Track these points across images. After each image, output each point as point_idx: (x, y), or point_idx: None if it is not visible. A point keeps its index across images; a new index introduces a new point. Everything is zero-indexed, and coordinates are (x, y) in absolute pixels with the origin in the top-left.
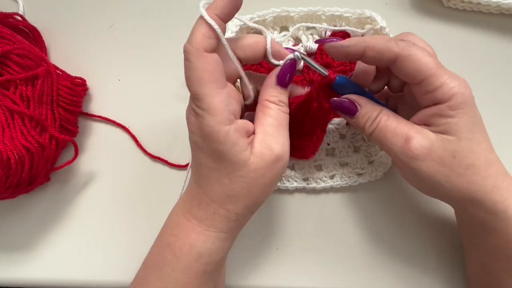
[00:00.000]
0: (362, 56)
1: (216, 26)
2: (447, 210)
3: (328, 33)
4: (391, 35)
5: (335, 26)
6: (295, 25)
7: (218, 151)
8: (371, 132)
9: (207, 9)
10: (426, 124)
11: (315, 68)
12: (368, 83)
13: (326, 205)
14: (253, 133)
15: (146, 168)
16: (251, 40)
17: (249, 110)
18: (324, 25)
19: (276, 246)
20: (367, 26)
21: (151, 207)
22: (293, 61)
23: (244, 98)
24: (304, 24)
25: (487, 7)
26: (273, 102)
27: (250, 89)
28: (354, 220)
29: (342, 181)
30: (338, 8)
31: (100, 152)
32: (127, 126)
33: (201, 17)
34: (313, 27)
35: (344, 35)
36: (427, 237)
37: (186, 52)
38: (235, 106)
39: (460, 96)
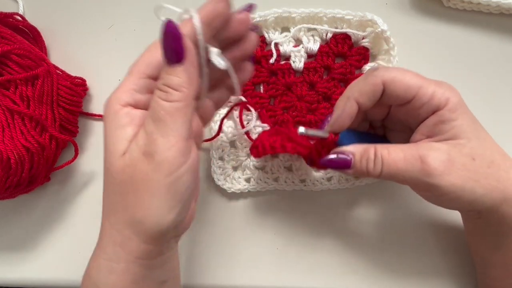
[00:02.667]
0: (360, 108)
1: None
2: (447, 212)
3: (329, 35)
4: (392, 37)
5: (336, 28)
6: (296, 26)
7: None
8: (380, 171)
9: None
10: (429, 136)
11: (316, 135)
12: (354, 123)
13: (326, 206)
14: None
15: None
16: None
17: None
18: (326, 27)
19: (276, 246)
20: (368, 29)
21: None
22: (171, 27)
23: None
24: (305, 25)
25: (487, 7)
26: (157, 88)
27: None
28: (354, 221)
29: (340, 184)
30: (340, 10)
31: (100, 152)
32: None
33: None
34: (314, 29)
35: (345, 36)
36: (426, 238)
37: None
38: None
39: (454, 98)
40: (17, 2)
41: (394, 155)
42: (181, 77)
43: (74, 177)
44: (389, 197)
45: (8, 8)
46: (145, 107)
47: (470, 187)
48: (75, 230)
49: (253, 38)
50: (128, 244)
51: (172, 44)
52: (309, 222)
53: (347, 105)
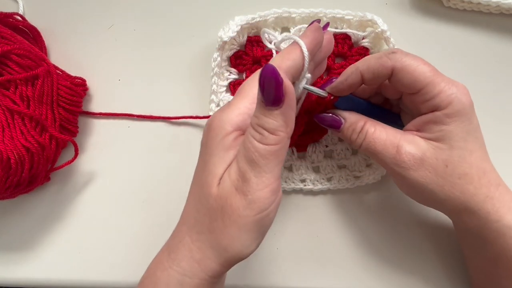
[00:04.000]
0: (362, 82)
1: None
2: None
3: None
4: (392, 37)
5: (336, 28)
6: (296, 26)
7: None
8: (360, 144)
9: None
10: (419, 130)
11: (315, 92)
12: (365, 95)
13: (326, 206)
14: None
15: (146, 168)
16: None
17: None
18: None
19: (276, 246)
20: (368, 29)
21: (151, 206)
22: (272, 72)
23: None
24: (305, 25)
25: (487, 7)
26: (251, 127)
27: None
28: (354, 221)
29: (340, 184)
30: (340, 10)
31: (100, 152)
32: (127, 126)
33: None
34: None
35: (345, 37)
36: (426, 240)
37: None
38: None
39: (457, 103)
40: (17, 2)
41: (377, 135)
42: (278, 121)
43: (74, 177)
44: (389, 197)
45: (8, 8)
46: None
47: (431, 189)
48: (75, 230)
49: (330, 39)
50: (207, 263)
51: (272, 89)
52: (309, 222)
53: (352, 74)
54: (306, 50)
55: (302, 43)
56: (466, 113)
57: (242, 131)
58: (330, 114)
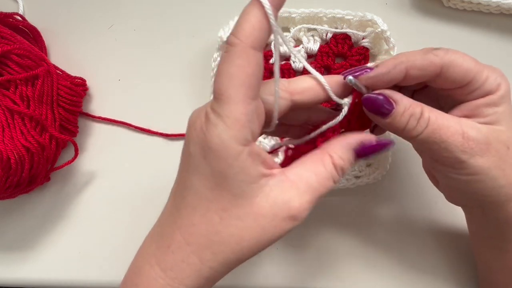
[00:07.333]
0: (404, 78)
1: (272, 16)
2: (447, 213)
3: (330, 35)
4: (392, 37)
5: (336, 28)
6: (296, 26)
7: (220, 174)
8: (420, 132)
9: None
10: (468, 116)
11: (360, 89)
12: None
13: (325, 206)
14: (271, 169)
15: (146, 168)
16: (308, 83)
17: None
18: (326, 27)
19: (276, 246)
20: (368, 29)
21: (151, 207)
22: (390, 143)
23: (265, 122)
24: (305, 25)
25: (487, 7)
26: (334, 165)
27: (276, 113)
28: (354, 221)
29: (340, 184)
30: (340, 10)
31: (100, 152)
32: (127, 127)
33: (256, 1)
34: (314, 29)
35: (345, 37)
36: (427, 240)
37: (229, 44)
38: (257, 126)
39: (504, 84)
40: (17, 2)
41: (441, 121)
42: (349, 168)
43: (74, 177)
44: (389, 197)
45: (8, 8)
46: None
47: (494, 174)
48: (75, 230)
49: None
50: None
51: (377, 152)
52: (309, 222)
53: (396, 68)
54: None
55: None
56: (510, 94)
57: (251, 137)
58: (381, 96)
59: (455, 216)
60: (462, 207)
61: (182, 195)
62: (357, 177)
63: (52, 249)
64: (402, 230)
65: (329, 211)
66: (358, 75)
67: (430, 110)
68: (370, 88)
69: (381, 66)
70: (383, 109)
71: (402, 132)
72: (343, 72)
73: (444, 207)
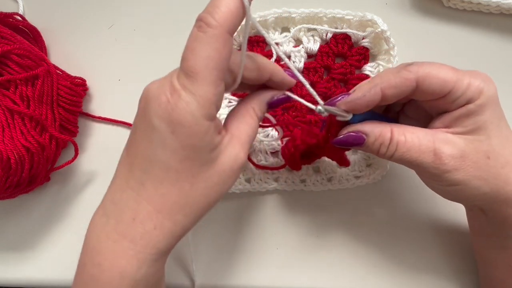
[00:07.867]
0: (382, 99)
1: (247, 3)
2: (447, 212)
3: (330, 35)
4: (392, 37)
5: (336, 28)
6: (296, 26)
7: (191, 147)
8: (391, 156)
9: None
10: (449, 126)
11: (336, 113)
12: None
13: (326, 206)
14: (221, 131)
15: None
16: (263, 60)
17: None
18: (325, 27)
19: (276, 246)
20: (368, 29)
21: None
22: (287, 98)
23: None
24: (305, 25)
25: (487, 7)
26: (258, 116)
27: (239, 79)
28: (354, 221)
29: (340, 184)
30: (340, 10)
31: (100, 152)
32: (127, 127)
33: None
34: (314, 29)
35: (345, 37)
36: (427, 239)
37: (208, 25)
38: (221, 103)
39: (487, 91)
40: (17, 2)
41: (410, 143)
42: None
43: (74, 177)
44: (389, 197)
45: (8, 8)
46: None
47: (476, 184)
48: (75, 230)
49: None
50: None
51: (281, 104)
52: (309, 222)
53: (371, 91)
54: None
55: None
56: (495, 100)
57: (216, 113)
58: (349, 133)
59: (455, 215)
60: (463, 204)
61: (145, 169)
62: (357, 177)
63: (52, 249)
64: (402, 230)
65: (329, 211)
66: (337, 101)
67: (401, 133)
68: (351, 111)
69: (357, 90)
70: (355, 144)
71: (378, 155)
72: (325, 103)
73: (444, 206)
